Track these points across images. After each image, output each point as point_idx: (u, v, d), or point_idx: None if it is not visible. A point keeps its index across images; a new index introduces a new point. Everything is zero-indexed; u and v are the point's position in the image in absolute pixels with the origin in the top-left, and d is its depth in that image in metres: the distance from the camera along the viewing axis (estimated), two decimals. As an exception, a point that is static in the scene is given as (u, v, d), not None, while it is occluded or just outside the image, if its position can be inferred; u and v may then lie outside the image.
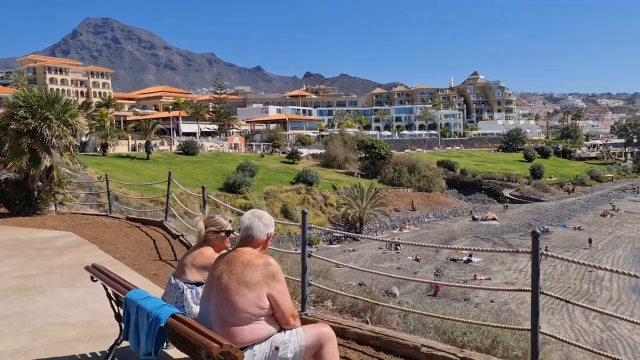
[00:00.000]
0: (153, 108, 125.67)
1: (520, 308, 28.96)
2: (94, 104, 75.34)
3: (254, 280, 3.33)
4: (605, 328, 27.33)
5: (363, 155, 78.15)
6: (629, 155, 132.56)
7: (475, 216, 65.84)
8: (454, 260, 44.00)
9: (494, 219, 63.13)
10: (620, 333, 26.39)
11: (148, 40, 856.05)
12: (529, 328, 4.33)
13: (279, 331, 3.46)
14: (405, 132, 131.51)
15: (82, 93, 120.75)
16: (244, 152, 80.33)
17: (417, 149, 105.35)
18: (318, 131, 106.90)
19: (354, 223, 56.31)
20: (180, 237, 10.50)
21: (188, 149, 67.10)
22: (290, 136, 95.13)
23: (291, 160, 72.37)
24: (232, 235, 4.78)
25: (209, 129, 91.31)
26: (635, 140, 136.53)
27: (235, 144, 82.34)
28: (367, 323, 6.36)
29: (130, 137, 68.06)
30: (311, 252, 6.16)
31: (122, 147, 64.34)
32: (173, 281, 4.56)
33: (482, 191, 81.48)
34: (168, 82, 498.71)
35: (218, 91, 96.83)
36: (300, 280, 6.03)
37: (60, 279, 7.36)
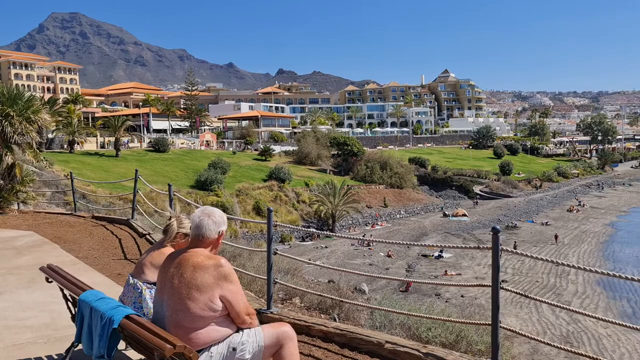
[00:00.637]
0: (123, 104, 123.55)
1: (490, 302, 29.44)
2: (60, 100, 73.45)
3: (205, 283, 3.25)
4: (571, 321, 28.08)
5: (335, 152, 78.27)
6: (594, 152, 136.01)
7: (446, 212, 66.72)
8: (425, 256, 44.51)
9: (464, 215, 64.04)
10: (586, 325, 27.18)
11: (117, 36, 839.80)
12: (490, 323, 4.38)
13: (237, 331, 3.40)
14: (377, 129, 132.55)
15: (48, 89, 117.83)
16: (216, 149, 79.53)
17: (389, 146, 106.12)
18: (291, 128, 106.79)
19: (327, 220, 56.47)
20: (147, 236, 10.33)
21: (159, 146, 66.23)
22: (262, 133, 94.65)
23: (263, 158, 72.11)
24: None
25: (180, 126, 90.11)
26: (600, 138, 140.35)
27: (207, 141, 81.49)
28: (335, 320, 6.35)
29: (99, 134, 66.67)
30: (277, 250, 6.11)
31: (91, 145, 63.06)
32: (131, 281, 4.46)
33: (453, 187, 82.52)
34: (138, 79, 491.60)
35: (189, 88, 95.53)
36: (266, 278, 5.99)
37: (18, 280, 7.16)
